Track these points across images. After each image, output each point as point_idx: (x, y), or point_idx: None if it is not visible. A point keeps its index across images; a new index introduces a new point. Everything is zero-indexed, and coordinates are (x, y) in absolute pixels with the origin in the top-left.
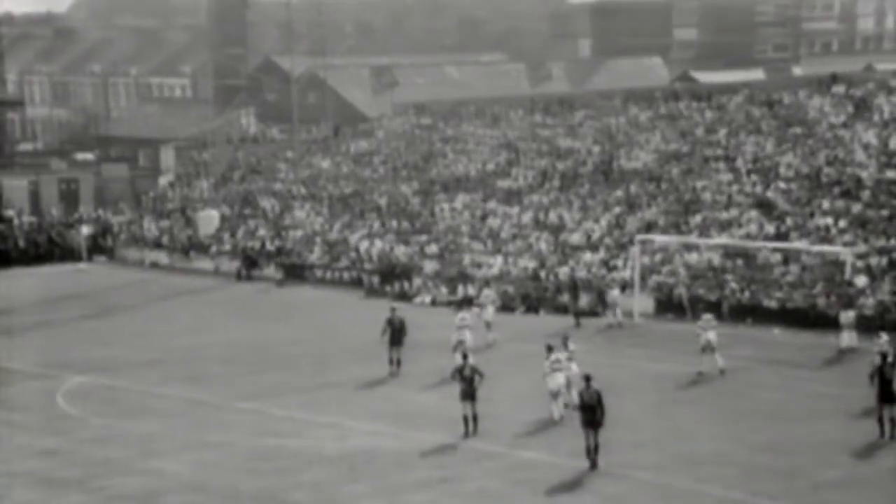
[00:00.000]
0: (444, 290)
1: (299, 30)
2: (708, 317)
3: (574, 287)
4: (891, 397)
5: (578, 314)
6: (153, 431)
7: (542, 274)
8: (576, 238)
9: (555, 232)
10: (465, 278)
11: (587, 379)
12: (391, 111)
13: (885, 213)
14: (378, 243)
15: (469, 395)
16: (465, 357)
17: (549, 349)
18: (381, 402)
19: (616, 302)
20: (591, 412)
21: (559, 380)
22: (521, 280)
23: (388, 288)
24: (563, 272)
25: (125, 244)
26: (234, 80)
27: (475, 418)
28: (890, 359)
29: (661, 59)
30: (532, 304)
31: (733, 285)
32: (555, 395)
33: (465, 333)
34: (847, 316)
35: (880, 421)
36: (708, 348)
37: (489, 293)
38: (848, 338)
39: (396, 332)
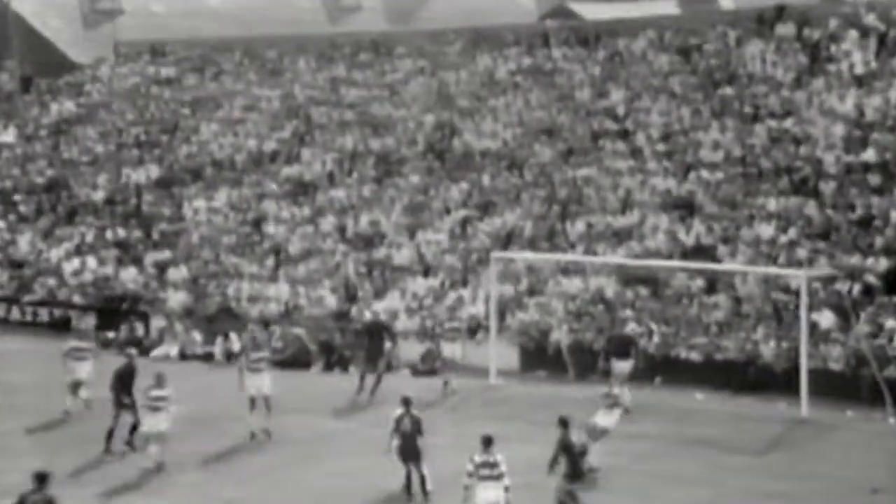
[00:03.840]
0: (197, 336)
1: None
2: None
3: (373, 333)
4: (581, 474)
5: (376, 369)
6: None
7: (353, 310)
8: (400, 256)
9: (368, 246)
10: (230, 317)
11: (406, 402)
12: (112, 54)
13: (855, 215)
14: (93, 263)
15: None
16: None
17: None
18: None
19: (453, 359)
20: (412, 440)
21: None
22: (318, 320)
23: (110, 334)
24: (370, 311)
25: None
26: None
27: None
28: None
29: None
30: (337, 358)
31: (634, 326)
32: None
33: (81, 368)
34: (621, 367)
35: None
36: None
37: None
38: (620, 392)
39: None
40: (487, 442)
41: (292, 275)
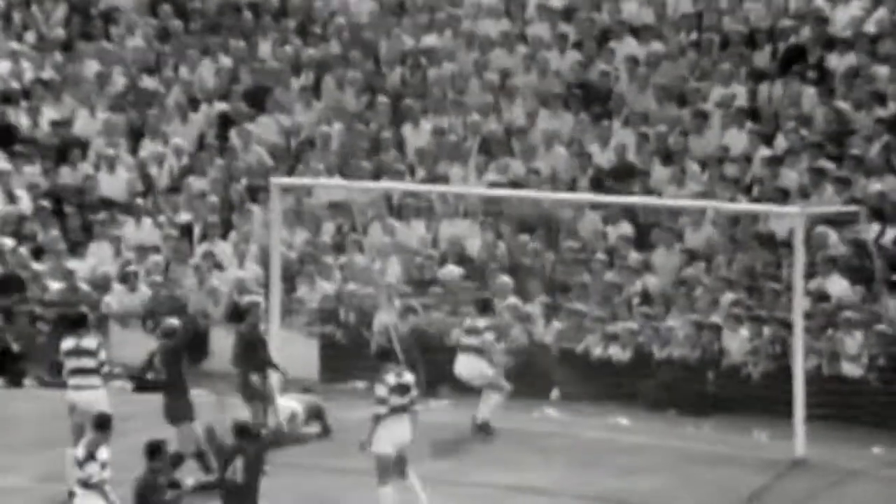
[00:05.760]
0: None
1: None
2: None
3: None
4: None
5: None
6: None
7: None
8: (111, 181)
9: (59, 162)
10: None
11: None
12: None
13: (885, 111)
14: None
15: None
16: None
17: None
18: None
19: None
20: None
21: None
22: None
23: None
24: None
25: None
26: None
27: None
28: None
29: None
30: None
31: (517, 303)
32: None
33: None
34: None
35: None
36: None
37: None
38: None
39: None
40: None
41: None
